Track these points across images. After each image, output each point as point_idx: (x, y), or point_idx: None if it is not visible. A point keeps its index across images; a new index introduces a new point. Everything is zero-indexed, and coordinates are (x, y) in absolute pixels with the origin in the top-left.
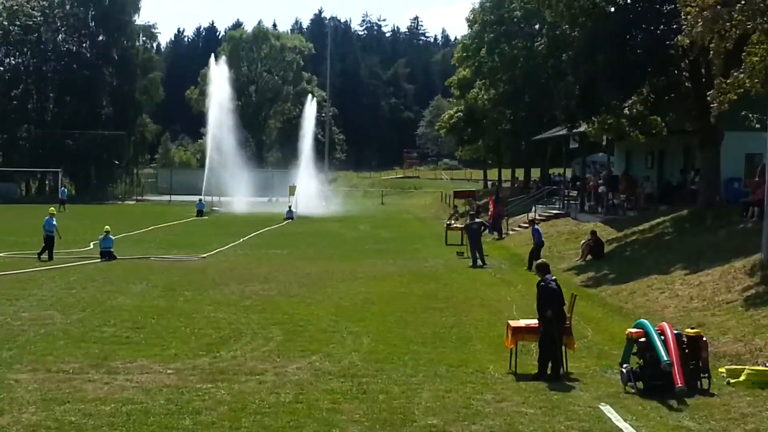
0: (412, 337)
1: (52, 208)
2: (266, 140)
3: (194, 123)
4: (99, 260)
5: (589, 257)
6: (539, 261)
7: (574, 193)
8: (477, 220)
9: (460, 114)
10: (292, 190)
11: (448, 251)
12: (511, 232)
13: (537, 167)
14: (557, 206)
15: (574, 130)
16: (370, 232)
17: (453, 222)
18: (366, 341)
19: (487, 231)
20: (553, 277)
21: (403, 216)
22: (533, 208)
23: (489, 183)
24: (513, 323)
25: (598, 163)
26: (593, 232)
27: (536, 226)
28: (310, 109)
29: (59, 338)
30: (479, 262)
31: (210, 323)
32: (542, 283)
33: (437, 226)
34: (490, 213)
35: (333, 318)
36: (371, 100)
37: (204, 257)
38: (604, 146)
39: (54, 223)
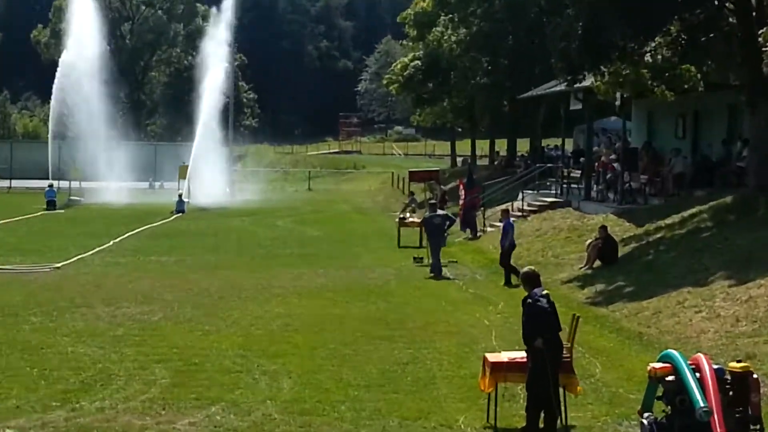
0: (351, 378)
1: None
2: (146, 101)
3: (44, 77)
4: None
5: (597, 263)
6: (526, 270)
7: (577, 173)
8: (440, 212)
9: (418, 63)
10: (183, 172)
11: (401, 256)
12: (489, 229)
13: (525, 137)
14: (553, 192)
15: (577, 85)
16: (292, 231)
17: (408, 215)
18: (287, 385)
19: (449, 227)
20: (545, 292)
21: (338, 207)
22: (520, 195)
23: (459, 159)
24: (492, 358)
25: (609, 131)
26: (603, 228)
27: (509, 220)
28: (214, 56)
29: None
30: (439, 270)
31: (67, 362)
32: (529, 301)
33: (387, 221)
34: (461, 202)
35: (240, 352)
36: (293, 44)
37: (58, 267)
38: (617, 108)
39: None
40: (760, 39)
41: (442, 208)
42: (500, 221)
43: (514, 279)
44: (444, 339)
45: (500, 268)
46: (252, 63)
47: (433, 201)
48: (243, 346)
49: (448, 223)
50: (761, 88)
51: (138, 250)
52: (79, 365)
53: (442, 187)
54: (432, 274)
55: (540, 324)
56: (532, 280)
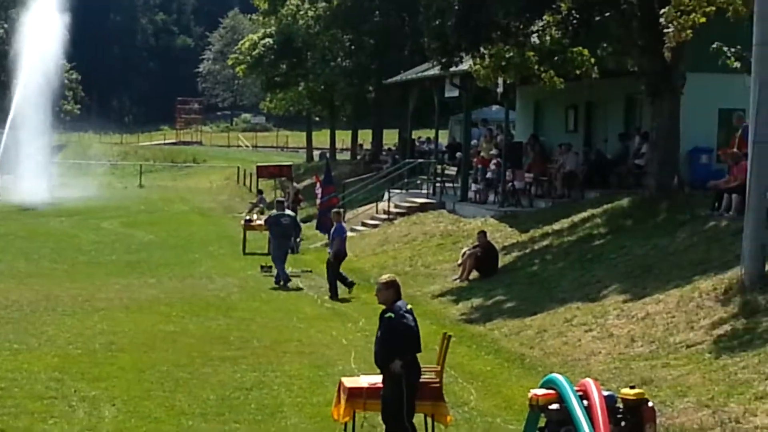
0: (185, 405)
1: None
2: None
3: None
4: None
5: (474, 274)
6: (387, 278)
7: (453, 170)
8: (289, 212)
9: (270, 41)
10: None
11: (247, 264)
12: (350, 233)
13: (393, 128)
14: (425, 192)
15: (453, 69)
16: (120, 234)
17: (256, 217)
18: (109, 413)
19: (298, 236)
20: (408, 306)
21: (175, 207)
22: (386, 195)
23: (316, 153)
24: (349, 382)
25: (490, 122)
26: (482, 234)
27: (341, 224)
28: (32, 26)
29: None
30: (285, 278)
31: None
32: (389, 315)
33: (231, 223)
34: (317, 202)
35: (55, 375)
36: (124, 17)
37: None
38: (498, 95)
39: None
40: (662, 20)
41: (295, 210)
42: (332, 222)
43: (344, 290)
44: (295, 360)
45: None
46: (76, 38)
47: (281, 199)
48: (58, 367)
49: (297, 231)
50: (663, 75)
51: None
52: None
53: (295, 185)
54: (277, 284)
55: (401, 344)
56: (391, 290)
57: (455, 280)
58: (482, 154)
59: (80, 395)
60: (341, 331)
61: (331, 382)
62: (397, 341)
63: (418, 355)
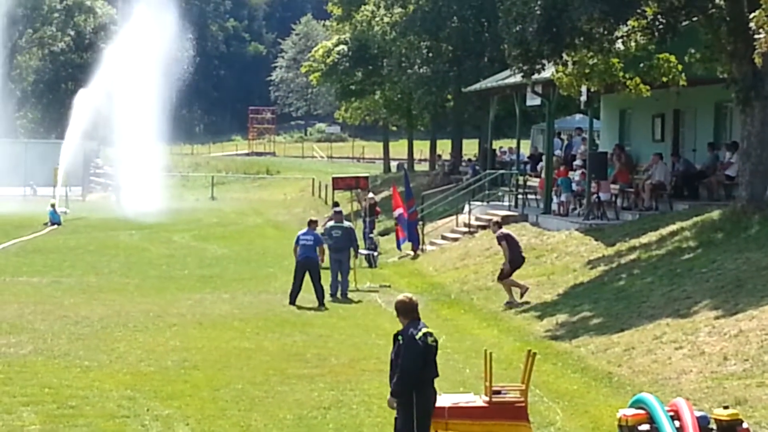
0: (261, 425)
1: None
2: (14, 89)
3: None
4: None
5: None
6: (402, 298)
7: (535, 182)
8: (345, 224)
9: (344, 48)
10: (57, 176)
11: (323, 278)
12: (429, 247)
13: (473, 138)
14: (507, 204)
15: (535, 77)
16: (192, 247)
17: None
18: None
19: (355, 246)
20: (427, 330)
21: (248, 219)
22: (466, 207)
23: (393, 164)
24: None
25: (573, 131)
26: (496, 226)
27: (505, 231)
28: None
29: None
30: (334, 290)
31: None
32: (402, 336)
33: None
34: (396, 214)
35: (127, 393)
36: (194, 23)
37: None
38: (582, 104)
39: None
40: (752, 24)
41: (372, 222)
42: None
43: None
44: (374, 378)
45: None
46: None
47: (338, 209)
48: (130, 385)
49: (352, 244)
50: (754, 82)
51: (3, 269)
52: None
53: (371, 195)
54: (332, 297)
55: (416, 366)
56: (410, 310)
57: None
58: (562, 166)
59: (153, 414)
60: None
61: None
62: (411, 363)
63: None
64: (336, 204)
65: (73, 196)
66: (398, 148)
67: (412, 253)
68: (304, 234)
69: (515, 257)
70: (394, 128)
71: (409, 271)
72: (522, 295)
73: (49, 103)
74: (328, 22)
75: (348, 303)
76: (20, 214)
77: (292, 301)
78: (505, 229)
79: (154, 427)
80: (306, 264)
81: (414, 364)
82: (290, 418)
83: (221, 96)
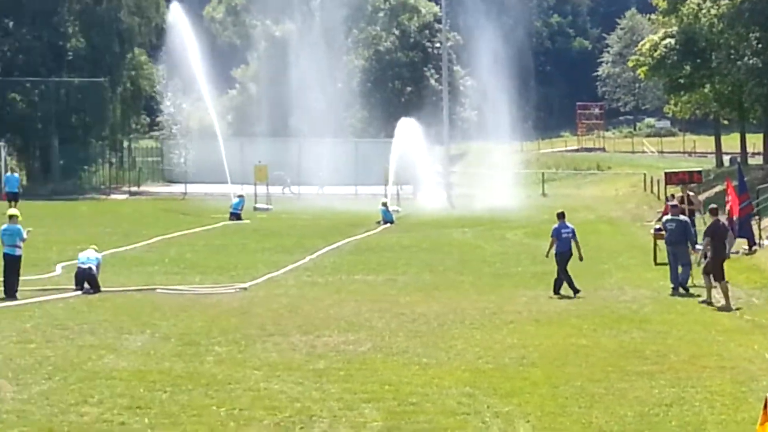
0: (603, 422)
1: (13, 211)
2: (342, 89)
3: (223, 59)
4: (76, 292)
5: None
6: None
7: None
8: (680, 218)
9: (671, 41)
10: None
11: (659, 275)
12: (766, 242)
13: None
14: None
15: None
16: (524, 244)
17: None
18: (524, 430)
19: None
20: None
21: (580, 215)
22: None
23: (726, 158)
24: None
25: None
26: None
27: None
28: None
29: (10, 426)
30: (676, 284)
31: (259, 399)
32: None
33: (639, 231)
34: (729, 209)
35: (467, 390)
36: (516, 19)
37: (245, 288)
38: None
39: (18, 232)
40: None
41: (692, 216)
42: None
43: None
44: (716, 375)
45: None
46: (467, 43)
47: (674, 203)
48: (469, 382)
49: (688, 237)
50: None
51: (339, 267)
52: (273, 404)
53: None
54: (675, 291)
55: None
56: None
57: None
58: None
59: (493, 411)
60: (764, 345)
61: (755, 398)
62: None
63: None
64: (670, 197)
65: (404, 195)
66: (730, 142)
67: (746, 248)
68: (563, 227)
69: None
70: (726, 122)
71: (746, 267)
72: None
73: (376, 102)
74: (653, 16)
75: (689, 297)
76: (352, 213)
77: (557, 290)
78: None
79: (495, 424)
80: (567, 255)
81: None
82: (631, 415)
83: (548, 92)
